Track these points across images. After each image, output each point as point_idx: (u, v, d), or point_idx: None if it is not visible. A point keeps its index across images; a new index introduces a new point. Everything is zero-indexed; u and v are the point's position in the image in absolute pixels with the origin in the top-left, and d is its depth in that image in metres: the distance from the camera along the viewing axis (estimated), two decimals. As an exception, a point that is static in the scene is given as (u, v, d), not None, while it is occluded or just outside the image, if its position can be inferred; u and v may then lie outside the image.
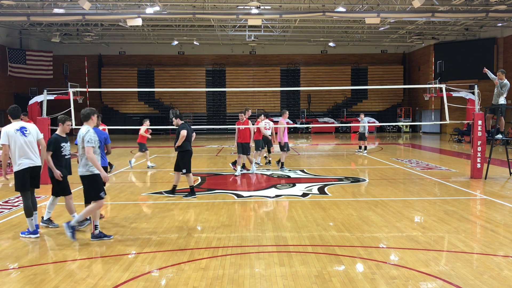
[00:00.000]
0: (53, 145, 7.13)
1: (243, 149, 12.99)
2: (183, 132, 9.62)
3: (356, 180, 12.23)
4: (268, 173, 13.55)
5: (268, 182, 12.00)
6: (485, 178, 11.98)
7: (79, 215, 6.71)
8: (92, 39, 34.69)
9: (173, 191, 10.13)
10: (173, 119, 10.20)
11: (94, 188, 6.58)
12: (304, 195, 10.08)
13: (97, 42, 36.72)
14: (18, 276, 5.31)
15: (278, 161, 14.25)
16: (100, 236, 6.74)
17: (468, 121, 15.26)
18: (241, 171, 13.28)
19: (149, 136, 15.46)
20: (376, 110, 39.63)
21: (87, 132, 6.46)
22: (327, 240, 6.60)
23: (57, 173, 7.08)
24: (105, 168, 8.51)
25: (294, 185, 11.33)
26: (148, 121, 15.52)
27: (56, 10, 23.30)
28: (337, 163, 16.44)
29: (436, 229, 7.13)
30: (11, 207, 9.09)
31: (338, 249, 6.16)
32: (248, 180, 12.36)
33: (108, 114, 37.07)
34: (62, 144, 7.24)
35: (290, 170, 13.90)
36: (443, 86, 13.51)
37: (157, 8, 23.68)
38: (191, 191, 9.87)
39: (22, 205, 9.23)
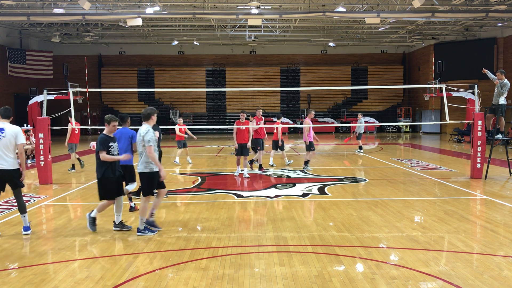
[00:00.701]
0: (104, 145, 6.90)
1: (242, 150, 12.75)
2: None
3: (356, 180, 12.23)
4: (268, 173, 13.56)
5: (268, 182, 12.00)
6: (485, 178, 11.98)
7: (140, 212, 7.09)
8: (92, 39, 34.69)
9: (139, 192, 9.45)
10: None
11: (150, 185, 6.97)
12: (304, 195, 10.08)
13: (97, 42, 36.72)
14: (18, 276, 5.31)
15: (307, 162, 14.18)
16: (153, 224, 7.17)
17: (468, 121, 15.26)
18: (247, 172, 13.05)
19: (186, 136, 16.18)
20: (376, 110, 39.63)
21: (147, 132, 6.80)
22: (327, 240, 6.60)
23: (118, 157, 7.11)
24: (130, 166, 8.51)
25: (294, 185, 11.33)
26: (181, 119, 16.68)
27: (56, 10, 23.31)
28: (337, 163, 16.44)
29: (436, 229, 7.13)
30: (11, 207, 9.09)
31: (338, 249, 6.16)
32: (248, 180, 12.36)
33: (108, 114, 37.02)
34: (110, 144, 7.01)
35: (290, 170, 13.90)
36: (443, 86, 13.51)
37: (157, 8, 23.68)
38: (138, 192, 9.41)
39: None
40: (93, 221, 7.14)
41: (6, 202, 9.60)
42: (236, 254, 5.99)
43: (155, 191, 7.21)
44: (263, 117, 14.20)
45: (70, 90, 12.90)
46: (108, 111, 37.96)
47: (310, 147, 14.04)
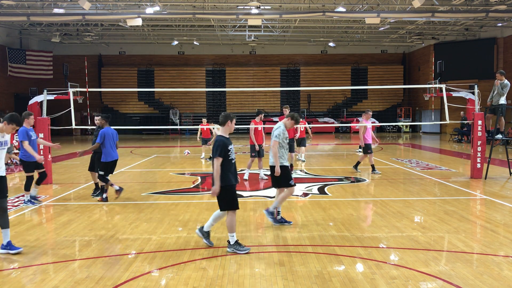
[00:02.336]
0: (222, 149, 5.93)
1: (260, 151, 12.18)
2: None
3: (356, 180, 12.22)
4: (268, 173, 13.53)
5: (268, 182, 11.99)
6: (485, 178, 11.98)
7: (276, 202, 7.32)
8: (92, 39, 34.69)
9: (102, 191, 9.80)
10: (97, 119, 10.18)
11: (285, 177, 7.18)
12: (304, 195, 10.08)
13: (97, 42, 36.73)
14: (18, 276, 5.31)
15: (356, 165, 13.59)
16: (282, 221, 7.33)
17: (468, 121, 15.25)
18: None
19: (212, 134, 16.89)
20: (376, 110, 39.56)
21: (278, 127, 7.12)
22: (327, 240, 6.60)
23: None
24: (114, 162, 9.39)
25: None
26: (204, 120, 17.51)
27: (56, 10, 23.31)
28: (337, 163, 16.44)
29: (436, 229, 7.13)
30: (11, 207, 9.08)
31: (338, 249, 6.16)
32: (248, 180, 12.34)
33: (107, 114, 37.05)
34: (230, 147, 6.05)
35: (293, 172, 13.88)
36: (443, 86, 13.51)
37: (157, 8, 23.68)
38: (102, 190, 9.66)
39: (22, 205, 9.26)
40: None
41: (6, 202, 9.59)
42: (236, 254, 5.98)
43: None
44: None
45: (70, 90, 12.90)
46: (108, 111, 38.01)
47: (366, 149, 13.18)
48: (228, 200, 6.06)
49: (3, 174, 6.29)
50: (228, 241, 6.15)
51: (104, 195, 9.50)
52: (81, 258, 5.92)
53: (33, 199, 9.39)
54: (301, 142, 15.83)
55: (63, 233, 7.13)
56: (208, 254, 5.99)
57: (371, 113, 13.64)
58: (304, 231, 7.05)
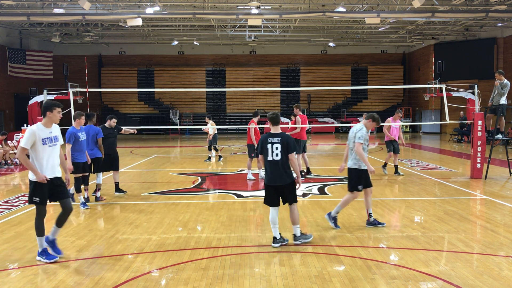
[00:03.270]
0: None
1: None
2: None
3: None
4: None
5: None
6: (485, 178, 11.98)
7: (338, 205, 7.23)
8: (92, 39, 34.69)
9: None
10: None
11: (358, 180, 7.15)
12: (304, 195, 10.08)
13: (97, 42, 36.72)
14: (18, 276, 5.31)
15: (385, 165, 13.19)
16: (375, 223, 7.25)
17: (467, 121, 15.25)
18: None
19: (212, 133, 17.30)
20: (376, 110, 39.55)
21: (360, 129, 7.10)
22: (327, 240, 6.59)
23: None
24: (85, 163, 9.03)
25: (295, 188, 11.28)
26: (209, 120, 17.55)
27: (56, 10, 23.31)
28: (337, 163, 16.42)
29: (436, 229, 7.13)
30: (11, 207, 9.09)
31: (338, 249, 6.16)
32: (249, 180, 12.34)
33: (108, 114, 37.02)
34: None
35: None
36: (443, 86, 13.51)
37: (157, 8, 23.68)
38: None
39: (22, 205, 9.25)
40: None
41: (6, 202, 9.60)
42: (236, 254, 5.98)
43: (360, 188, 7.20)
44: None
45: (70, 90, 12.91)
46: (108, 111, 38.00)
47: (387, 147, 12.92)
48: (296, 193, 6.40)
49: (59, 174, 5.91)
50: (294, 235, 6.40)
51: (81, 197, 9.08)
52: (81, 258, 5.92)
53: (87, 200, 9.16)
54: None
55: (63, 233, 7.12)
56: (208, 254, 5.99)
57: (400, 114, 12.94)
58: (304, 231, 7.04)
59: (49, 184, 5.70)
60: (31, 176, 5.69)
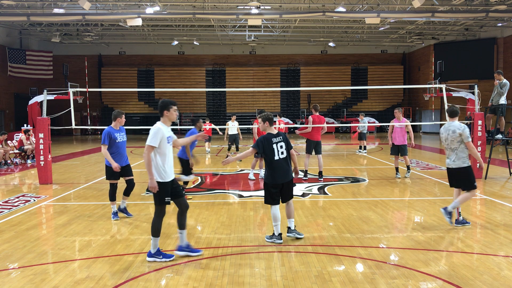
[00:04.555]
0: None
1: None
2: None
3: (356, 180, 12.22)
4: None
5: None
6: (485, 178, 11.98)
7: (455, 202, 7.22)
8: (92, 39, 34.70)
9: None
10: None
11: (474, 177, 7.25)
12: (304, 195, 10.08)
13: (97, 42, 36.74)
14: (18, 276, 5.31)
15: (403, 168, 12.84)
16: (463, 222, 7.27)
17: (467, 121, 15.25)
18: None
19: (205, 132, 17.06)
20: (376, 110, 39.63)
21: (464, 128, 7.05)
22: (327, 240, 6.60)
23: None
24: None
25: (294, 185, 11.29)
26: (201, 120, 17.47)
27: (56, 10, 23.32)
28: (337, 163, 16.43)
29: (436, 229, 7.13)
30: (11, 207, 9.09)
31: (338, 249, 6.16)
32: (248, 180, 12.34)
33: (108, 114, 37.09)
34: None
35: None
36: (443, 86, 13.50)
37: (157, 8, 23.69)
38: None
39: (22, 205, 9.25)
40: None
41: (6, 202, 9.60)
42: (236, 254, 5.98)
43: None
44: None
45: (70, 90, 12.90)
46: (108, 111, 38.06)
47: (398, 150, 12.32)
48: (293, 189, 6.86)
49: (173, 177, 5.74)
50: (288, 227, 6.67)
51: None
52: (81, 258, 5.92)
53: (122, 211, 8.15)
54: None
55: (63, 233, 7.12)
56: (208, 254, 5.99)
57: (398, 112, 12.49)
58: (304, 231, 7.04)
59: (170, 183, 5.71)
60: (158, 177, 5.58)
